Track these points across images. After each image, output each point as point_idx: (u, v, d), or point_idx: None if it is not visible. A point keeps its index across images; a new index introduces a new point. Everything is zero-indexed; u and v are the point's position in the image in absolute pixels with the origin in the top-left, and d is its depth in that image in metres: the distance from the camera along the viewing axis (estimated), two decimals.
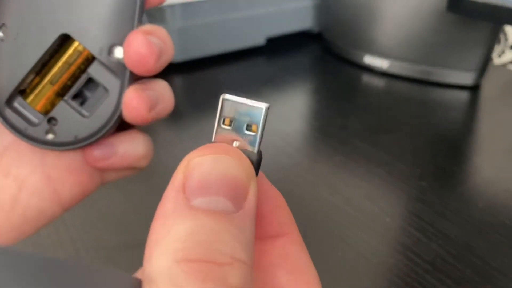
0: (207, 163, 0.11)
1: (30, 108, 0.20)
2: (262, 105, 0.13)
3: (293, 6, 0.60)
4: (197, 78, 0.52)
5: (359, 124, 0.43)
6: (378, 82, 0.53)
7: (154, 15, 0.54)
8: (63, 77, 0.20)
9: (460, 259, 0.28)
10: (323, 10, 0.61)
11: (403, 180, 0.35)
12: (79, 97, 0.20)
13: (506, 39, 0.70)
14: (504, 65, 0.70)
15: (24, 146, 0.21)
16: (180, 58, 0.53)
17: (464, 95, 0.50)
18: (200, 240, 0.10)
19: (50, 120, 0.20)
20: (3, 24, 0.19)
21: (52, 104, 0.20)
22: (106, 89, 0.20)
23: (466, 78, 0.51)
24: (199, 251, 0.10)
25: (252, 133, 0.13)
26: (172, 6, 0.51)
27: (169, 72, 0.53)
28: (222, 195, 0.11)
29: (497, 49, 0.71)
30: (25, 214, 0.20)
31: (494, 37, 0.49)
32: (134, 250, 0.28)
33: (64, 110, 0.20)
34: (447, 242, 0.29)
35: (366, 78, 0.54)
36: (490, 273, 0.27)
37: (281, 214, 0.14)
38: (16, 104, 0.20)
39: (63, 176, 0.21)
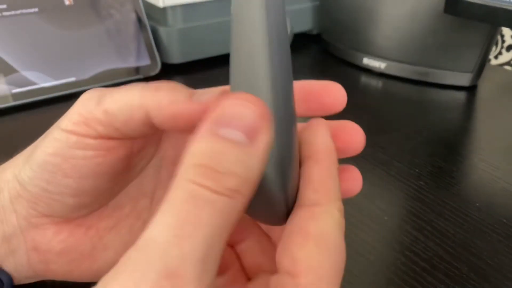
0: (235, 106, 0.15)
1: None
2: None
3: (292, 8, 0.60)
4: (198, 79, 0.53)
5: (357, 124, 0.43)
6: (376, 83, 0.53)
7: (155, 16, 0.54)
8: None
9: (458, 257, 0.28)
10: (322, 12, 0.61)
11: (401, 179, 0.36)
12: None
13: (503, 41, 0.71)
14: (501, 66, 0.71)
15: None
16: (181, 59, 0.53)
17: (461, 96, 0.50)
18: (211, 157, 0.14)
19: None
20: None
21: None
22: None
23: (463, 79, 0.51)
24: (208, 161, 0.14)
25: None
26: (173, 7, 0.52)
27: (169, 73, 0.53)
28: (240, 129, 0.14)
29: (494, 50, 0.72)
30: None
31: (491, 39, 0.49)
32: None
33: None
34: (445, 241, 0.30)
35: (365, 79, 0.54)
36: (487, 272, 0.27)
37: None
38: None
39: None
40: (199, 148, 0.14)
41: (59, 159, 0.20)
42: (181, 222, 0.13)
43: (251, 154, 0.14)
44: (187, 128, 0.18)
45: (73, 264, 0.22)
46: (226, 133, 0.14)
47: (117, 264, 0.13)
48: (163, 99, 0.18)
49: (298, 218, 0.17)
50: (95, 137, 0.20)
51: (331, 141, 0.19)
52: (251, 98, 0.15)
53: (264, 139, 0.15)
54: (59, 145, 0.20)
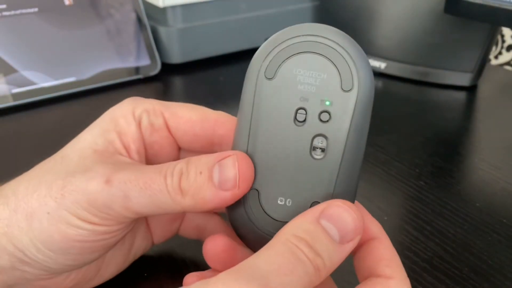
0: (340, 209, 0.18)
1: None
2: None
3: (292, 8, 0.60)
4: (198, 79, 0.53)
5: None
6: (376, 83, 0.53)
7: (155, 16, 0.54)
8: None
9: (458, 258, 0.28)
10: (322, 11, 0.61)
11: (401, 179, 0.36)
12: None
13: (503, 41, 0.71)
14: (501, 66, 0.71)
15: None
16: (181, 59, 0.53)
17: (461, 96, 0.50)
18: (311, 237, 0.18)
19: None
20: None
21: None
22: None
23: (463, 79, 0.51)
24: (309, 239, 0.17)
25: None
26: (173, 7, 0.52)
27: (169, 73, 0.53)
28: (338, 229, 0.18)
29: (494, 50, 0.72)
30: (135, 255, 0.25)
31: (491, 38, 0.49)
32: None
33: None
34: (445, 241, 0.30)
35: None
36: (487, 272, 0.27)
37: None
38: None
39: (161, 226, 0.26)
40: (304, 226, 0.18)
41: (87, 244, 0.20)
42: (282, 263, 0.17)
43: (337, 251, 0.18)
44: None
45: (82, 284, 0.24)
46: (326, 226, 0.18)
47: (219, 275, 0.16)
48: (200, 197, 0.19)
49: (375, 283, 0.19)
50: (124, 224, 0.21)
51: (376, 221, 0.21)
52: (355, 208, 0.19)
53: (350, 247, 0.18)
54: (85, 233, 0.20)
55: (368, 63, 0.20)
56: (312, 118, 0.19)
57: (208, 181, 0.19)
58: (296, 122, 0.20)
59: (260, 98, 0.20)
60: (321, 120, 0.19)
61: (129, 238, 0.25)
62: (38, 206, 0.20)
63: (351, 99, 0.19)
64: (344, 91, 0.19)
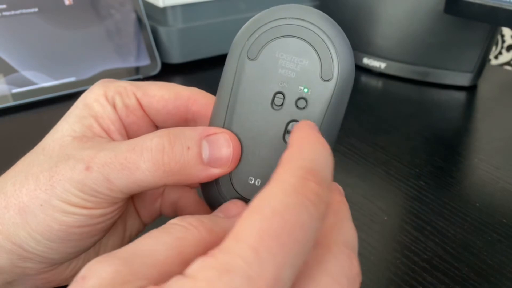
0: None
1: None
2: None
3: None
4: (198, 79, 0.53)
5: (357, 124, 0.43)
6: (376, 83, 0.53)
7: (155, 16, 0.54)
8: None
9: (458, 257, 0.28)
10: (322, 11, 0.61)
11: (401, 179, 0.36)
12: None
13: (503, 41, 0.71)
14: (501, 66, 0.71)
15: None
16: (181, 59, 0.53)
17: (461, 96, 0.50)
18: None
19: None
20: None
21: None
22: None
23: (463, 79, 0.51)
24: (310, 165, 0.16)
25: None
26: (173, 7, 0.52)
27: (169, 73, 0.53)
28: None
29: (494, 50, 0.72)
30: (131, 236, 0.26)
31: (491, 38, 0.49)
32: None
33: None
34: (445, 241, 0.30)
35: (365, 79, 0.54)
36: (487, 272, 0.27)
37: None
38: None
39: (145, 206, 0.26)
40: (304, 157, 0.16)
41: (86, 229, 0.20)
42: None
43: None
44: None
45: None
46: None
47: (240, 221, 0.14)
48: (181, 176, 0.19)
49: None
50: (118, 204, 0.21)
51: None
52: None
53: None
54: (82, 218, 0.20)
55: (351, 54, 0.20)
56: (289, 103, 0.20)
57: (197, 157, 0.19)
58: (274, 105, 0.20)
59: (240, 77, 0.20)
60: (297, 107, 0.20)
61: (120, 220, 0.25)
62: (29, 200, 0.20)
63: (329, 88, 0.20)
64: (323, 80, 0.20)
